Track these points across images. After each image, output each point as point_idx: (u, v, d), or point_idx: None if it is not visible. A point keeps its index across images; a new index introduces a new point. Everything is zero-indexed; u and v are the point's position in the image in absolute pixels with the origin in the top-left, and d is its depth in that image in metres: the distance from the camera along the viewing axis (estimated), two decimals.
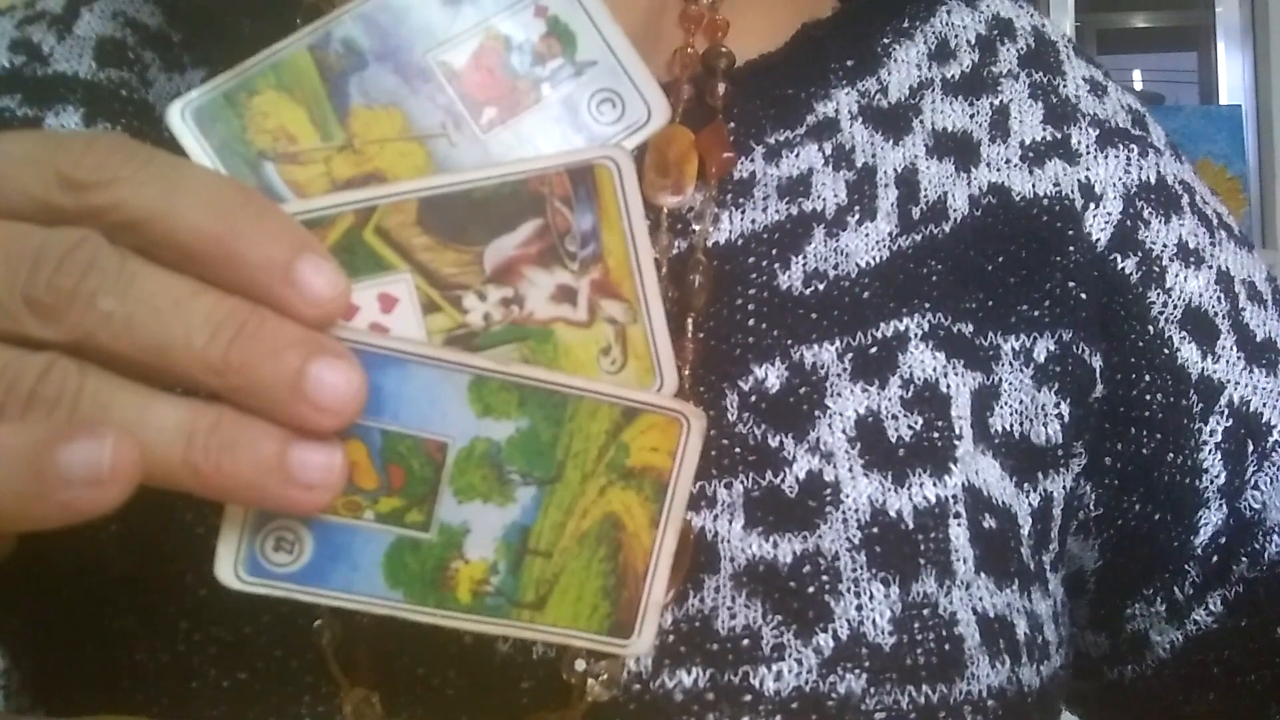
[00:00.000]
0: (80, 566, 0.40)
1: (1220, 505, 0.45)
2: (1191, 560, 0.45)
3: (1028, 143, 0.46)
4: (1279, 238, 2.33)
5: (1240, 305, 0.47)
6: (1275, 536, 0.45)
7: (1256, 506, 0.45)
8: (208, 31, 0.46)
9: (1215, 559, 0.45)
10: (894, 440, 0.41)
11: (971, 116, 0.46)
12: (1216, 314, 0.46)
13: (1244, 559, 0.45)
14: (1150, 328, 0.45)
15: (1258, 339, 0.47)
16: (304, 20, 0.32)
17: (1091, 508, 0.46)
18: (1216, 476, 0.45)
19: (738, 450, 0.40)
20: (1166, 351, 0.45)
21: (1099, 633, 0.47)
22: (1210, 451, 0.45)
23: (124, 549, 0.40)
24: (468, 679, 0.38)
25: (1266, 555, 0.45)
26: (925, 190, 0.45)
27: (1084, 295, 0.44)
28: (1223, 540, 0.45)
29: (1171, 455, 0.45)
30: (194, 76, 0.46)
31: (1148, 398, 0.45)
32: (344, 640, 0.38)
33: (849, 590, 0.39)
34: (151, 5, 0.47)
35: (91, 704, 0.40)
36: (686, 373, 0.41)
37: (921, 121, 0.46)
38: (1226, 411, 0.45)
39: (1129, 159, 0.47)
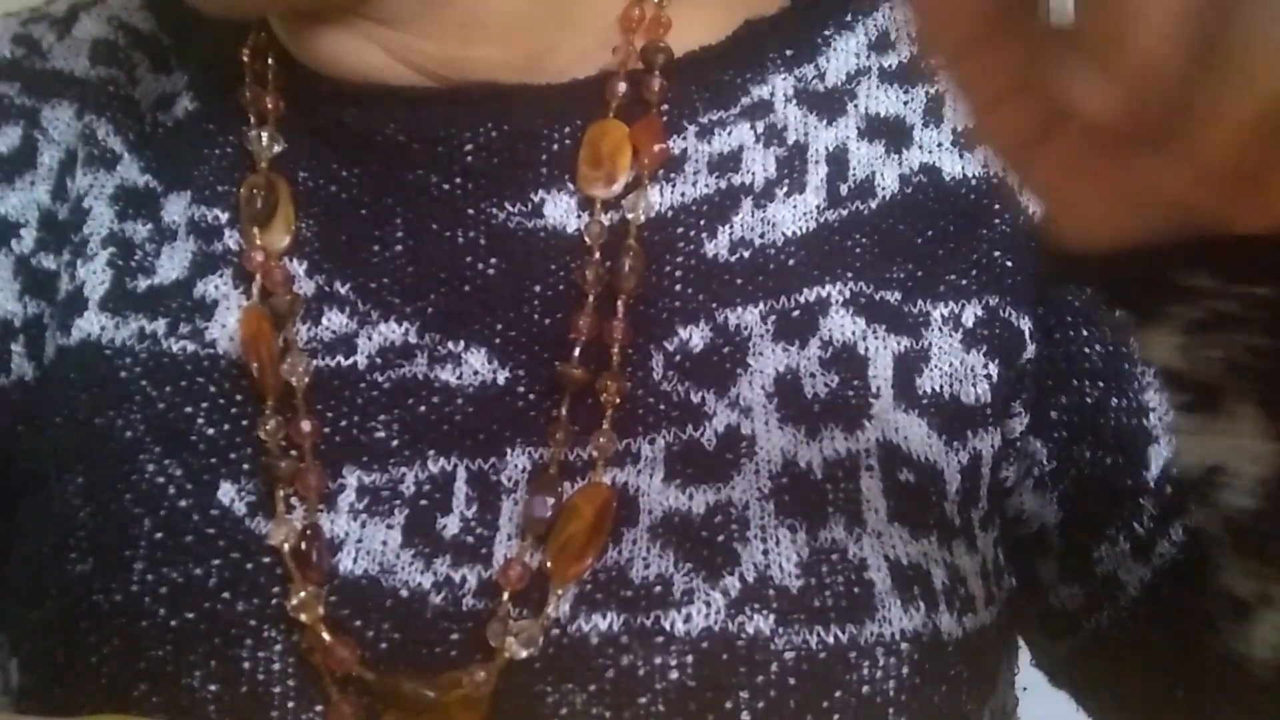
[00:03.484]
0: (47, 517, 0.44)
1: (1170, 439, 0.46)
2: (1145, 494, 0.46)
3: (959, 130, 0.48)
4: None
5: None
6: None
7: None
8: (196, 35, 0.51)
9: (1169, 490, 0.46)
10: (810, 396, 0.43)
11: (906, 103, 0.48)
12: None
13: None
14: (1085, 287, 0.46)
15: None
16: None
17: (1045, 462, 0.47)
18: (1164, 414, 0.46)
19: (662, 407, 0.43)
20: (1103, 306, 0.48)
21: (1071, 584, 0.48)
22: (1155, 390, 0.46)
23: (88, 498, 0.43)
24: (400, 632, 0.41)
25: None
26: (854, 168, 0.47)
27: (1010, 263, 0.46)
28: (1174, 472, 0.46)
29: (1115, 400, 0.46)
30: (179, 77, 0.51)
31: (1086, 350, 0.46)
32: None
33: (756, 536, 0.41)
34: (145, 12, 0.52)
35: (52, 650, 0.43)
36: (615, 350, 0.43)
37: (856, 105, 0.48)
38: None
39: None
